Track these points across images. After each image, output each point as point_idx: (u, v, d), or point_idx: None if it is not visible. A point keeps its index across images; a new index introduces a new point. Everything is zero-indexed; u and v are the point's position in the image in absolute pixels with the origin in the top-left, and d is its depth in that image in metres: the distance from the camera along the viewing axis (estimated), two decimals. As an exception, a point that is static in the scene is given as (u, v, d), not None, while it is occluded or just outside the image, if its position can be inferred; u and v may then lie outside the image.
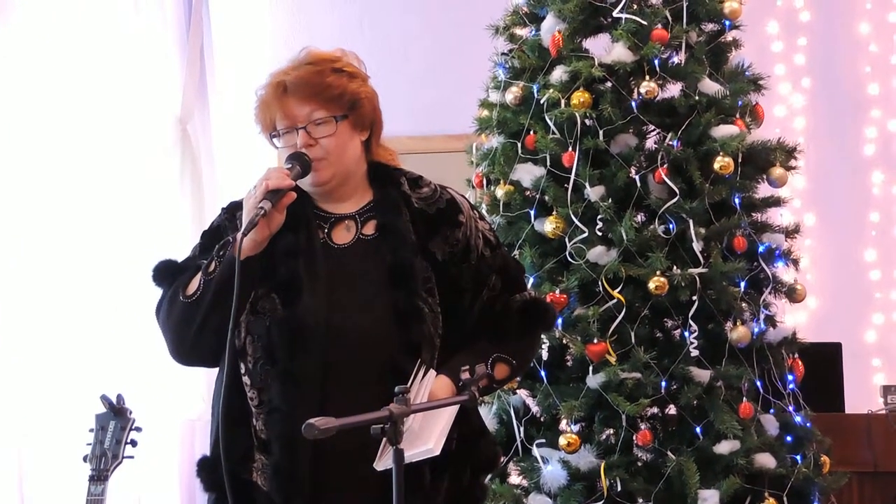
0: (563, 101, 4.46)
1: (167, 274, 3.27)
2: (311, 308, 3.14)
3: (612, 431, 4.38)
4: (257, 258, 3.14)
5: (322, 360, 3.13)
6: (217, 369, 3.28)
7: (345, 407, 3.05)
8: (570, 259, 4.40)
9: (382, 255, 3.20)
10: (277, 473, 3.14)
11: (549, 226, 4.42)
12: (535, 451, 4.35)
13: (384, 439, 2.97)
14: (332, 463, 3.15)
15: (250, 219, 3.08)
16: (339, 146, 3.21)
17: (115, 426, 3.53)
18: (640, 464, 4.39)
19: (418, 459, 3.01)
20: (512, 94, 4.59)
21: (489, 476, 4.25)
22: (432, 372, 3.14)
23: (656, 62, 4.46)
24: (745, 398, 4.37)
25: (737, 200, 4.49)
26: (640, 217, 4.50)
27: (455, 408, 3.13)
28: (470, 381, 3.05)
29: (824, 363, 5.34)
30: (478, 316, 3.28)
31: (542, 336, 4.27)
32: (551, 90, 4.49)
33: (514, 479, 4.47)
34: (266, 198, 3.09)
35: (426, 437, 3.03)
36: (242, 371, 3.19)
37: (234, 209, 3.27)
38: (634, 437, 4.33)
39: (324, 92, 3.20)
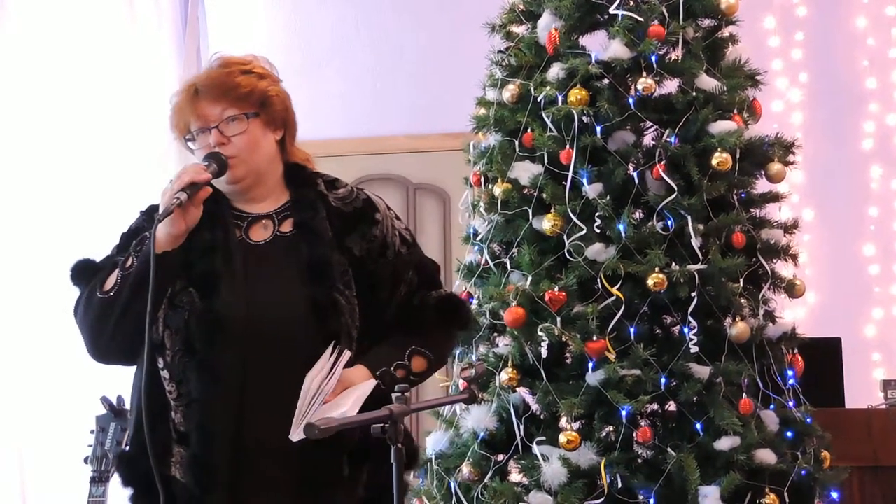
0: (560, 99, 4.46)
1: (85, 273, 3.32)
2: (228, 301, 3.20)
3: (611, 428, 4.38)
4: (174, 253, 3.19)
5: (240, 352, 3.18)
6: (135, 367, 3.31)
7: (264, 398, 3.15)
8: (568, 256, 4.40)
9: (300, 251, 3.27)
10: (194, 464, 3.18)
11: (547, 223, 4.41)
12: (536, 449, 4.34)
13: (298, 407, 3.05)
14: (251, 454, 3.18)
15: (165, 207, 3.14)
16: (251, 143, 3.28)
17: (115, 428, 3.53)
18: (640, 461, 4.38)
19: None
20: (509, 92, 4.59)
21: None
22: (347, 352, 3.19)
23: (653, 58, 4.45)
24: (744, 394, 4.37)
25: (735, 196, 4.49)
26: (638, 214, 4.49)
27: (369, 386, 3.17)
28: (387, 372, 3.21)
29: (824, 358, 5.33)
30: (395, 310, 3.34)
31: (542, 333, 4.29)
32: (548, 88, 4.49)
33: (515, 476, 4.47)
34: (183, 189, 3.14)
35: (341, 405, 3.10)
36: (161, 365, 3.23)
37: (151, 211, 3.32)
38: (634, 434, 4.33)
39: (233, 90, 3.28)
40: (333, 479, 3.21)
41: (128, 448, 3.30)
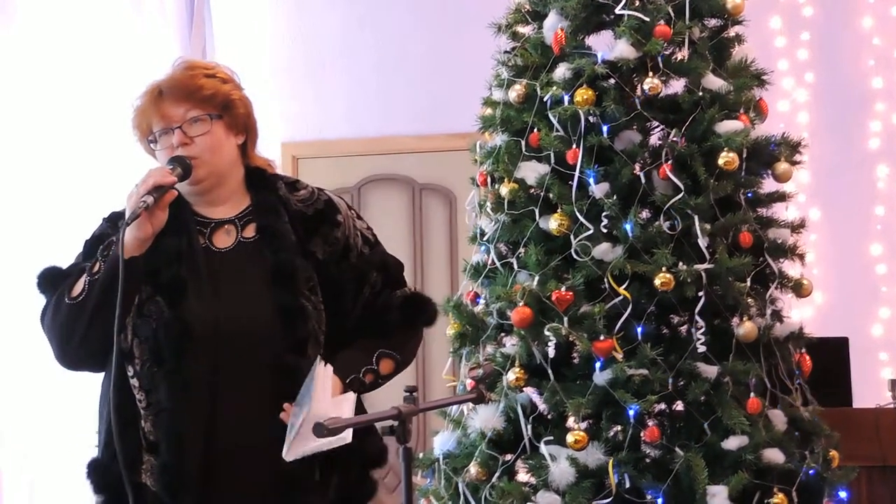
0: (566, 99, 4.45)
1: (51, 280, 3.33)
2: (195, 310, 3.21)
3: (619, 428, 4.37)
4: (141, 258, 3.20)
5: (209, 361, 3.20)
6: (103, 374, 3.32)
7: (234, 406, 3.17)
8: (575, 256, 4.39)
9: (264, 257, 3.29)
10: (165, 472, 3.20)
11: (553, 223, 4.41)
12: (543, 449, 4.34)
13: (291, 427, 3.08)
14: (223, 462, 3.20)
15: (132, 211, 3.15)
16: (213, 144, 3.30)
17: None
18: (648, 460, 4.37)
19: (329, 447, 3.09)
20: (515, 92, 4.58)
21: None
22: (329, 368, 3.20)
23: (659, 58, 4.45)
24: (752, 393, 4.36)
25: (742, 196, 4.48)
26: (645, 213, 4.48)
27: (353, 399, 3.21)
28: (356, 378, 3.26)
29: (831, 358, 5.34)
30: (360, 312, 3.36)
31: (550, 333, 4.28)
32: (554, 87, 4.48)
33: (522, 476, 4.46)
34: (149, 193, 3.16)
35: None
36: (130, 373, 3.24)
37: (115, 218, 3.35)
38: (642, 434, 4.32)
39: (197, 92, 3.31)
40: (304, 483, 3.23)
41: (98, 455, 3.31)
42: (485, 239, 4.65)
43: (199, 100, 3.30)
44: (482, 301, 4.62)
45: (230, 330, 3.20)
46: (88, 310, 3.20)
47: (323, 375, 3.16)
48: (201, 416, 3.18)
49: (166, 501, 3.19)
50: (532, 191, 4.53)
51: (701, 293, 4.32)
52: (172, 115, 3.30)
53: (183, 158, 3.25)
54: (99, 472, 3.28)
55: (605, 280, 4.35)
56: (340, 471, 3.31)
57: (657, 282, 4.29)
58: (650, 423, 4.35)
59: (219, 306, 3.22)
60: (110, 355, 3.19)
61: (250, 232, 3.33)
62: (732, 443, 4.29)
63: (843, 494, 4.49)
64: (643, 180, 4.40)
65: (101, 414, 3.32)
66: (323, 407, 3.09)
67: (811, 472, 4.39)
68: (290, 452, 3.11)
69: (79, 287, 3.24)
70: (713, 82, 4.50)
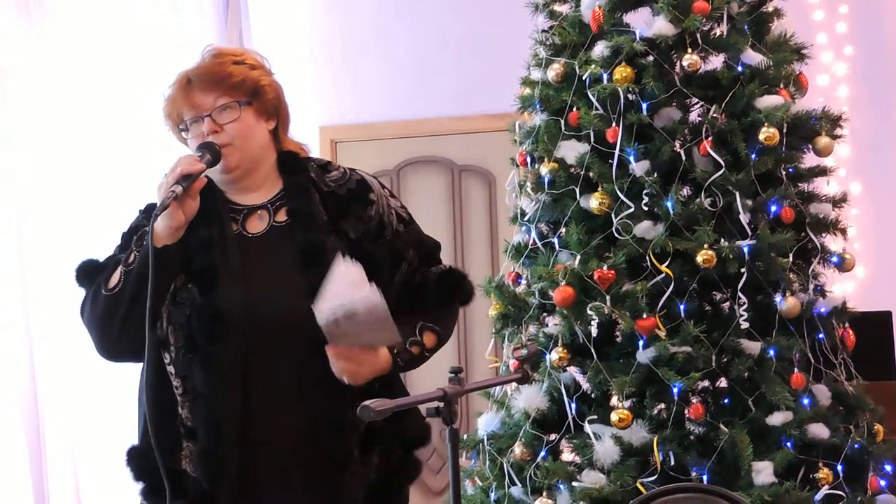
0: (605, 77, 4.45)
1: (89, 273, 3.35)
2: (227, 295, 3.22)
3: (663, 406, 4.38)
4: (175, 247, 3.22)
5: (242, 345, 3.21)
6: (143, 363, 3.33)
7: (268, 388, 3.17)
8: (616, 235, 4.39)
9: (295, 239, 3.29)
10: (203, 458, 3.21)
11: (594, 202, 4.41)
12: (588, 428, 4.35)
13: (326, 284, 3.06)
14: (260, 445, 3.22)
15: (162, 201, 3.17)
16: (244, 131, 3.30)
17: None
18: (692, 437, 4.38)
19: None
20: (553, 71, 4.58)
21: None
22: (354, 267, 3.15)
23: (698, 34, 4.44)
24: (796, 369, 4.36)
25: (783, 171, 4.47)
26: (685, 190, 4.48)
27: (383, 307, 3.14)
28: (403, 349, 3.26)
29: (875, 332, 5.30)
30: (398, 289, 3.35)
31: (592, 312, 4.28)
32: (593, 66, 4.48)
33: (567, 455, 4.48)
34: (178, 182, 3.17)
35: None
36: (167, 361, 3.26)
37: (151, 209, 3.35)
38: (686, 411, 4.33)
39: (226, 80, 3.31)
40: (344, 464, 3.23)
41: (138, 443, 3.34)
42: (525, 219, 4.65)
43: (228, 87, 3.31)
44: (524, 281, 4.63)
45: (260, 314, 3.22)
46: (125, 300, 3.23)
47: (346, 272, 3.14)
48: (236, 400, 3.20)
49: (206, 487, 3.21)
50: (572, 170, 4.53)
51: (743, 269, 4.32)
52: (202, 104, 3.30)
53: (212, 145, 3.26)
54: (138, 460, 3.31)
55: (647, 258, 4.35)
56: (381, 450, 3.31)
57: (699, 259, 4.29)
58: (694, 400, 4.35)
59: (249, 291, 3.24)
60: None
61: (282, 216, 3.34)
62: (777, 418, 4.29)
63: (888, 468, 4.48)
64: (683, 157, 4.40)
65: (140, 402, 3.34)
66: (339, 290, 3.09)
67: (856, 446, 4.38)
68: (318, 312, 3.10)
69: (115, 278, 3.26)
70: (752, 57, 4.49)
